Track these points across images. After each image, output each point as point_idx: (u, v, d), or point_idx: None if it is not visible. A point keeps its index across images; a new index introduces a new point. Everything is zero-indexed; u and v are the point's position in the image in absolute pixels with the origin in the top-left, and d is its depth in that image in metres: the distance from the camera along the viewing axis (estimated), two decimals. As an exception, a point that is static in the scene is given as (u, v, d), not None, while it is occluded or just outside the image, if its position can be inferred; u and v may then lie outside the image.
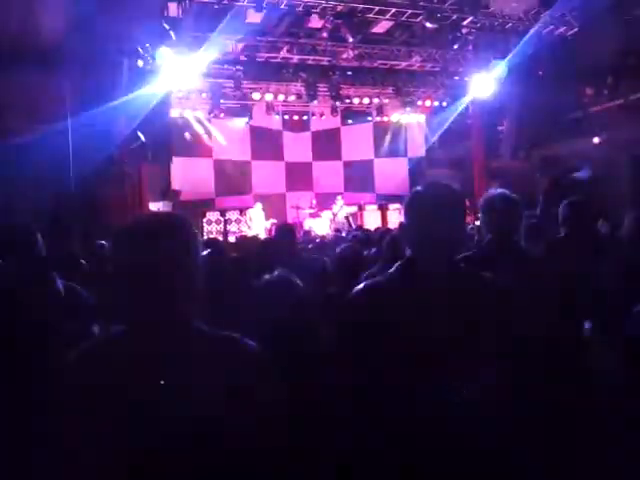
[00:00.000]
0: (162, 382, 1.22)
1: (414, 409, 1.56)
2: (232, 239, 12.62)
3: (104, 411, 1.20)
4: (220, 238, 13.17)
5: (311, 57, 12.26)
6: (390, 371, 1.59)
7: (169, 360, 1.24)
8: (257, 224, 13.61)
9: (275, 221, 13.53)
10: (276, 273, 2.67)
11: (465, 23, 10.54)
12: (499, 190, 2.78)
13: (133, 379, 1.21)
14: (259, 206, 14.01)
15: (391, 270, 1.75)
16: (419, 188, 1.78)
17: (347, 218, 14.45)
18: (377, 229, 9.50)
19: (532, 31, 10.71)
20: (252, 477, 1.26)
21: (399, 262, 1.75)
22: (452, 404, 1.53)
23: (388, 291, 1.72)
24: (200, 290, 1.34)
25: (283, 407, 1.34)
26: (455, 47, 11.24)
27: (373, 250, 4.57)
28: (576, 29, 10.71)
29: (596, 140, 11.33)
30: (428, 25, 9.99)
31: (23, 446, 1.85)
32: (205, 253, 2.82)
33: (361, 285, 1.79)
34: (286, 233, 4.48)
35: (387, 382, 1.59)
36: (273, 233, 12.43)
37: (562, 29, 10.79)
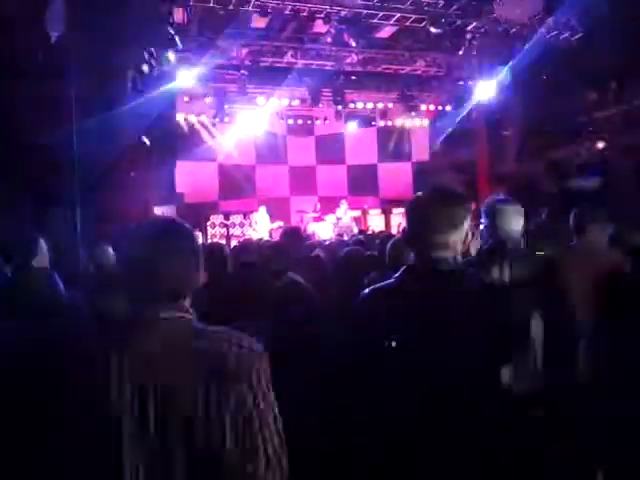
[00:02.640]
0: None
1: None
2: (234, 243, 12.65)
3: None
4: (223, 242, 13.23)
5: (315, 62, 12.31)
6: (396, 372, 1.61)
7: None
8: (262, 227, 13.63)
9: (282, 224, 13.57)
10: (288, 277, 2.70)
11: (469, 28, 10.57)
12: (501, 196, 2.80)
13: None
14: (263, 209, 14.02)
15: (396, 275, 1.77)
16: (420, 193, 1.81)
17: (353, 220, 14.51)
18: (380, 232, 9.51)
19: (536, 36, 10.72)
20: None
21: (404, 267, 1.77)
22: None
23: (393, 294, 1.75)
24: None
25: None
26: (459, 52, 11.27)
27: (374, 253, 4.58)
28: (580, 34, 10.71)
29: (600, 145, 11.32)
30: (432, 30, 10.03)
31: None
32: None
33: (367, 290, 1.81)
34: (292, 236, 4.50)
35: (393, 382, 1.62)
36: (278, 236, 12.45)
37: (566, 34, 10.80)
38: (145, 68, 6.94)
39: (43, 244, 2.70)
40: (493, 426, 1.57)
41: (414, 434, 1.59)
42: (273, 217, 14.11)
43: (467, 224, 1.74)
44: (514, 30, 10.70)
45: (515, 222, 2.70)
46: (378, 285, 1.81)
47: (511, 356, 1.63)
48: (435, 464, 1.56)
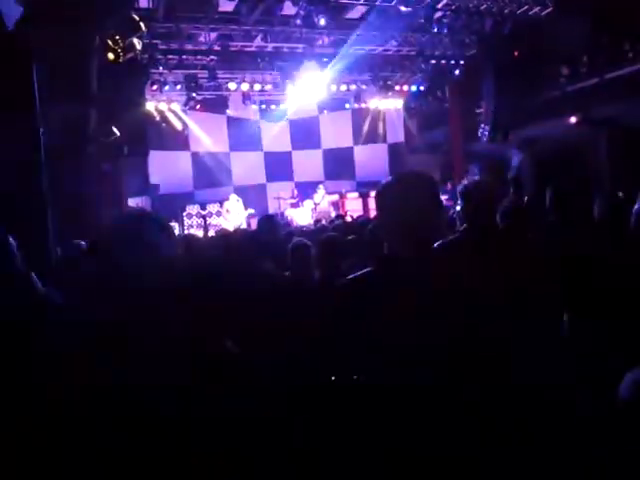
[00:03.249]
0: None
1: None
2: (212, 233, 12.52)
3: None
4: (200, 233, 13.07)
5: (286, 45, 12.11)
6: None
7: None
8: (235, 216, 13.40)
9: (253, 211, 13.41)
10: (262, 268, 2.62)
11: (440, 6, 10.47)
12: (476, 178, 2.77)
13: None
14: (234, 197, 13.77)
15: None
16: (391, 178, 1.81)
17: (331, 204, 14.47)
18: (358, 217, 9.50)
19: (507, 11, 10.69)
20: None
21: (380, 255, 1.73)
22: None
23: (369, 282, 1.72)
24: None
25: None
26: (431, 30, 11.18)
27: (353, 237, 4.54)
28: (550, 9, 10.70)
29: (573, 119, 11.38)
30: (403, 9, 9.91)
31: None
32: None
33: (346, 279, 1.79)
34: (267, 224, 4.43)
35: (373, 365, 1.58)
36: (252, 224, 12.32)
37: (536, 9, 10.77)
38: (111, 56, 6.73)
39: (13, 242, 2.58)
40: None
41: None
42: (249, 204, 13.92)
43: (436, 205, 1.71)
44: (484, 6, 10.63)
45: (488, 206, 2.67)
46: (353, 275, 1.76)
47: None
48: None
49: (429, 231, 1.68)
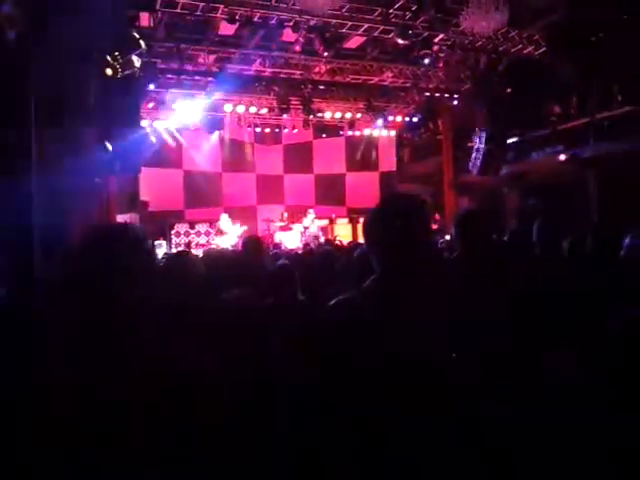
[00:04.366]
0: None
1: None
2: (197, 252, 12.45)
3: None
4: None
5: (284, 70, 12.27)
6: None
7: None
8: (229, 235, 13.40)
9: (247, 228, 13.41)
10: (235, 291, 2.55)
11: (436, 40, 10.69)
12: (470, 208, 2.80)
13: None
14: (225, 217, 13.79)
15: (365, 284, 1.70)
16: (385, 200, 1.83)
17: (320, 229, 14.49)
18: (349, 243, 9.53)
19: (501, 49, 10.94)
20: None
21: (372, 277, 1.70)
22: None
23: (363, 306, 1.67)
24: None
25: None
26: (426, 63, 11.38)
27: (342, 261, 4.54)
28: (544, 49, 10.96)
29: (563, 157, 11.57)
30: (400, 41, 10.10)
31: None
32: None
33: (334, 301, 1.73)
34: (252, 246, 4.43)
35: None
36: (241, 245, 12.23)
37: (530, 48, 11.03)
38: (109, 71, 6.77)
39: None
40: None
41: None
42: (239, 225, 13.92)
43: (428, 224, 1.74)
44: (480, 43, 10.87)
45: (483, 235, 2.70)
46: (343, 297, 1.73)
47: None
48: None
49: (424, 248, 1.68)
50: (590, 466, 1.57)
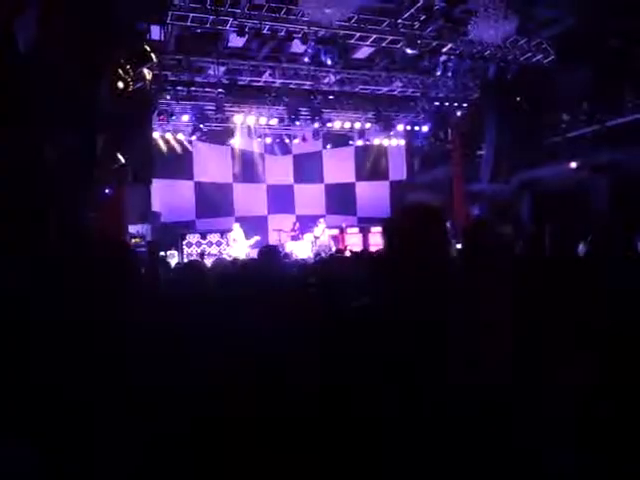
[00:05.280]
0: None
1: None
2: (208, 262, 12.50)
3: None
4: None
5: (293, 81, 12.35)
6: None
7: None
8: (240, 245, 13.46)
9: (259, 238, 13.45)
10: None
11: (444, 50, 10.72)
12: (480, 219, 2.81)
13: None
14: (237, 226, 13.87)
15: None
16: (409, 209, 1.85)
17: (331, 239, 14.50)
18: (362, 251, 9.53)
19: (510, 58, 10.94)
20: None
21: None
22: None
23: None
24: None
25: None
26: (435, 73, 11.41)
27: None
28: (552, 57, 10.95)
29: (573, 165, 11.52)
30: (408, 51, 10.14)
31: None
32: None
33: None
34: (268, 255, 4.43)
35: None
36: (254, 253, 12.29)
37: (539, 56, 11.03)
38: (120, 84, 6.85)
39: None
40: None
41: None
42: (250, 235, 13.97)
43: (444, 228, 1.76)
44: (488, 52, 10.88)
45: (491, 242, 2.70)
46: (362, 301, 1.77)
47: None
48: None
49: (440, 248, 1.71)
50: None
